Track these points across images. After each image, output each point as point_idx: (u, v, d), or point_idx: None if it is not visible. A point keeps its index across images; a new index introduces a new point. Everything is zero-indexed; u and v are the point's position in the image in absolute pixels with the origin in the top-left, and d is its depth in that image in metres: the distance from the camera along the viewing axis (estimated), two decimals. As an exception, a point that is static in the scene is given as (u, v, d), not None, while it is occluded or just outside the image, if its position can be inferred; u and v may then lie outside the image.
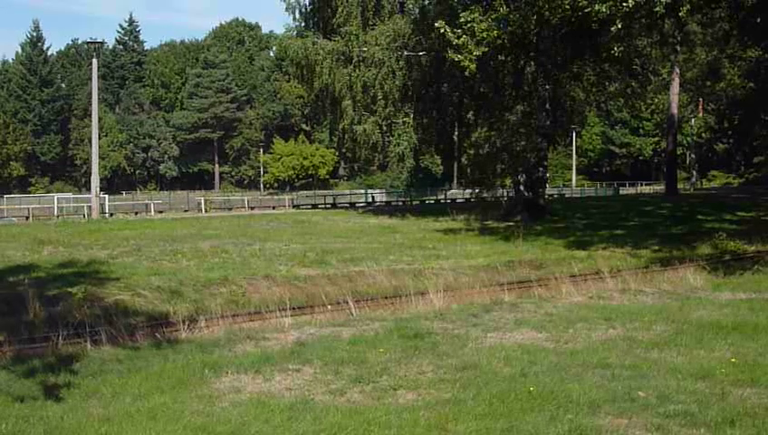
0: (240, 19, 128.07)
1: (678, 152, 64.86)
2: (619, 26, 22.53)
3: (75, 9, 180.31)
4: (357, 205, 59.85)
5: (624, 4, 21.30)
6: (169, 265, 20.33)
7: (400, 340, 10.62)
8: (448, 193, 69.03)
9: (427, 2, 40.71)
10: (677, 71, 53.69)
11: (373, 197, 71.35)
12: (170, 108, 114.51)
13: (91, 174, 45.96)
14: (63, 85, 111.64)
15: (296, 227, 32.68)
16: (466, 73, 29.28)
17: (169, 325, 13.21)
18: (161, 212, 53.05)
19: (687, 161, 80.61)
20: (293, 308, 13.96)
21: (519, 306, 13.29)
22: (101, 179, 53.92)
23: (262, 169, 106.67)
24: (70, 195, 67.77)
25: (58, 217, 47.24)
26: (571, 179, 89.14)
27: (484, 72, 33.69)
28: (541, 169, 36.20)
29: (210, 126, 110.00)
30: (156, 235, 27.85)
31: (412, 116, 42.11)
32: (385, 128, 42.79)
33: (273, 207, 59.45)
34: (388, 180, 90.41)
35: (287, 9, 48.52)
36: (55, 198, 57.00)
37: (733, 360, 9.06)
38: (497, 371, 8.88)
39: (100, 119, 59.88)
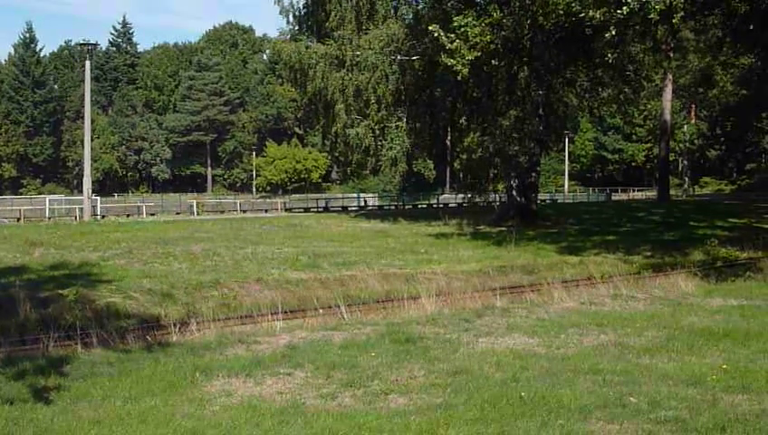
0: (233, 22, 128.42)
1: (671, 159, 65.14)
2: (613, 33, 22.58)
3: (68, 11, 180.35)
4: (349, 209, 59.89)
5: (618, 10, 21.37)
6: (161, 268, 20.29)
7: (392, 344, 10.60)
8: (441, 197, 69.07)
9: (420, 6, 40.63)
10: (670, 77, 53.91)
11: (366, 201, 71.37)
12: (163, 110, 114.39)
13: (83, 176, 45.84)
14: (56, 87, 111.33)
15: (288, 230, 32.66)
16: (459, 78, 29.31)
17: (160, 328, 13.20)
18: (153, 215, 52.92)
19: (680, 168, 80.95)
20: (285, 312, 13.93)
21: (511, 311, 13.28)
22: (93, 181, 53.74)
23: (254, 173, 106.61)
24: (62, 197, 67.46)
25: (49, 218, 47.09)
26: (563, 185, 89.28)
27: (478, 76, 33.68)
28: (533, 174, 36.27)
29: (203, 129, 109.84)
30: (148, 237, 27.79)
31: (405, 120, 42.01)
32: (378, 132, 42.68)
33: (266, 211, 59.43)
34: (381, 184, 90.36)
35: (281, 12, 48.38)
36: (47, 199, 56.74)
37: (724, 366, 9.05)
38: (489, 376, 8.87)
39: (92, 121, 59.71)
